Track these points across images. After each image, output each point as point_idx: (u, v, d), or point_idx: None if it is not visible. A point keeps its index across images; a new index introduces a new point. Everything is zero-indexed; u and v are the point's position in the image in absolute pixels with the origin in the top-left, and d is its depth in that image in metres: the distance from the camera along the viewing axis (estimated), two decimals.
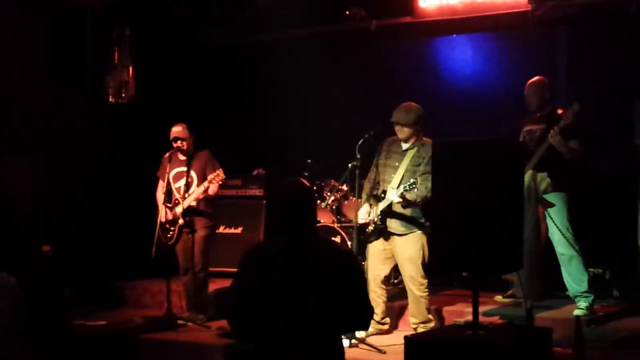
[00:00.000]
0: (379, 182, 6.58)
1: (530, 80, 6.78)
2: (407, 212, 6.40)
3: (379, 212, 6.46)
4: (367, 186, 6.72)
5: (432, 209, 4.76)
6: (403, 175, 6.39)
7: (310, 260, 3.78)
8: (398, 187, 6.32)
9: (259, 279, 3.78)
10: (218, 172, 7.07)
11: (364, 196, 6.71)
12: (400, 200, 6.25)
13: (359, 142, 6.60)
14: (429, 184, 6.06)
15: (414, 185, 6.13)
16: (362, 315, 3.94)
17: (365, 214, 6.54)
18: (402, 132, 6.46)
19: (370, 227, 6.50)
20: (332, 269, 3.77)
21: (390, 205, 6.41)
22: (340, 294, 3.76)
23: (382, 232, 6.49)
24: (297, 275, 3.74)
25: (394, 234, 6.47)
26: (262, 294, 3.76)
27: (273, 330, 3.76)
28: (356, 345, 6.27)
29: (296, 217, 3.86)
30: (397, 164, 6.49)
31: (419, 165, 6.38)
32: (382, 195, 6.48)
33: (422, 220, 6.42)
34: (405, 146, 6.52)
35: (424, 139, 6.50)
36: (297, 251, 3.80)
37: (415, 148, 6.46)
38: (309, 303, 3.72)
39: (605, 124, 7.23)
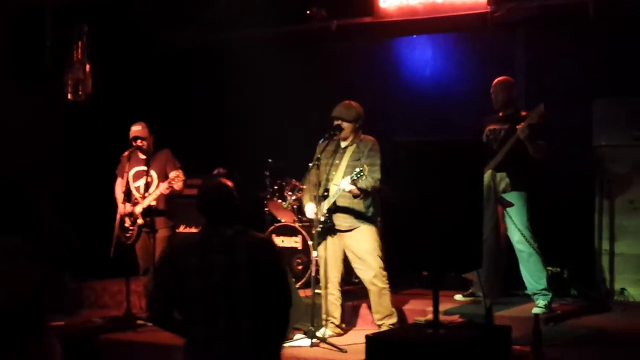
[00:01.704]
0: (318, 184, 6.57)
1: (498, 79, 6.83)
2: (354, 206, 6.41)
3: (325, 211, 6.46)
4: (308, 187, 6.72)
5: (392, 207, 4.76)
6: (344, 172, 6.40)
7: (222, 248, 3.95)
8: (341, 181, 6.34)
9: (175, 271, 3.98)
10: (178, 173, 7.03)
11: (307, 196, 6.71)
12: (353, 187, 6.22)
13: (320, 142, 6.61)
14: (376, 175, 6.21)
15: (361, 174, 6.12)
16: (277, 299, 4.03)
17: (312, 212, 6.54)
18: (342, 127, 6.46)
19: (317, 229, 6.47)
20: (243, 254, 3.93)
21: (334, 202, 6.42)
22: (254, 280, 3.91)
23: (330, 231, 6.50)
24: (208, 263, 3.92)
25: (341, 230, 6.48)
26: (178, 284, 3.94)
27: (188, 318, 3.95)
28: (317, 345, 6.27)
29: (211, 213, 4.09)
30: (337, 161, 6.50)
31: (359, 159, 6.40)
32: (325, 194, 6.48)
33: (369, 214, 6.45)
34: (344, 144, 6.56)
35: (363, 136, 6.54)
36: (209, 242, 3.99)
37: (354, 144, 6.50)
38: (220, 290, 3.89)
39: (564, 125, 7.30)
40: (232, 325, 3.88)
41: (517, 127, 6.40)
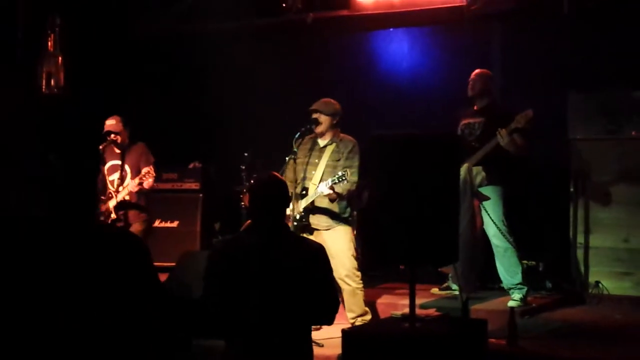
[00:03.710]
0: (295, 181, 6.51)
1: (478, 70, 6.92)
2: (331, 207, 6.34)
3: (301, 209, 6.40)
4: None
5: (369, 201, 4.76)
6: (324, 171, 6.33)
7: (285, 255, 3.80)
8: (320, 182, 6.27)
9: (232, 275, 3.76)
10: (149, 169, 6.97)
11: None
12: (330, 192, 6.15)
13: (296, 136, 6.55)
14: (354, 178, 6.17)
15: (344, 178, 6.05)
16: (330, 310, 3.96)
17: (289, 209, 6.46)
18: (320, 121, 6.40)
19: (291, 226, 6.40)
20: (305, 264, 3.80)
21: (312, 202, 6.36)
22: (312, 289, 3.80)
23: (305, 229, 6.43)
24: (272, 270, 3.75)
25: (317, 229, 6.41)
26: (235, 290, 3.75)
27: (245, 325, 3.75)
28: None
29: (273, 212, 3.88)
30: (316, 160, 6.42)
31: (338, 160, 6.33)
32: (304, 192, 6.42)
33: (346, 215, 6.40)
34: (323, 143, 6.47)
35: (342, 135, 6.48)
36: (272, 247, 3.82)
37: (334, 144, 6.42)
38: (282, 298, 3.74)
39: (540, 118, 7.31)
40: (282, 333, 3.77)
41: (498, 132, 6.40)
